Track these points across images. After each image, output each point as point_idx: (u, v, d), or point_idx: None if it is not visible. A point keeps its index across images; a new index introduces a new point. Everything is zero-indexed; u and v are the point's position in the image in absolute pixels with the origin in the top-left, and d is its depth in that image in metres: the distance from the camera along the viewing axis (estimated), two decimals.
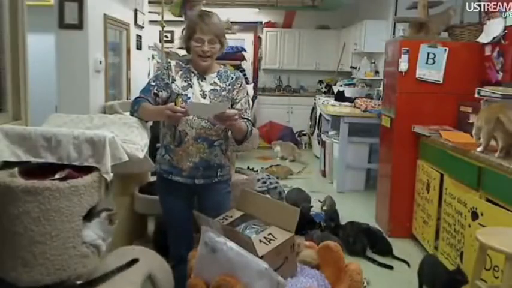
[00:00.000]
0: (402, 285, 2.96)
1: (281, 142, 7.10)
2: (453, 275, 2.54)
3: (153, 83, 2.19)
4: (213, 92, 2.17)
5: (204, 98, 2.15)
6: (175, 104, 1.98)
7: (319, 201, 4.06)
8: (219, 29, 2.13)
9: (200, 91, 2.16)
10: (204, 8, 4.82)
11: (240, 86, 2.23)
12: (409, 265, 3.32)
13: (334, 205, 4.04)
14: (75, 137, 1.86)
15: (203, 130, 2.12)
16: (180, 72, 2.20)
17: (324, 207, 4.04)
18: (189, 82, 2.18)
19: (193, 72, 2.20)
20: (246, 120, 2.22)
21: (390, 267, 3.26)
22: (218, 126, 2.14)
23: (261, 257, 1.63)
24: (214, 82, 2.19)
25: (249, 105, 2.30)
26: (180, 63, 2.23)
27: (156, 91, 2.16)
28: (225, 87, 2.19)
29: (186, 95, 2.14)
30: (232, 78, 2.23)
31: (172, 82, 2.17)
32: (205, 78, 2.19)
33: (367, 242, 3.50)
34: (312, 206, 4.02)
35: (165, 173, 2.21)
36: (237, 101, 2.22)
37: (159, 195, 2.34)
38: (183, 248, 2.20)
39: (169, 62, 2.24)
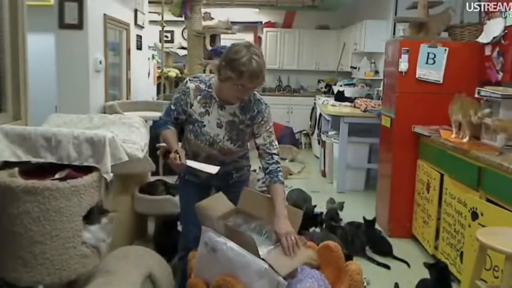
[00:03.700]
0: (402, 285, 2.96)
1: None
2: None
3: (173, 107, 2.11)
4: (230, 123, 2.08)
5: (220, 127, 2.07)
6: (175, 158, 1.93)
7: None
8: (263, 75, 1.94)
9: (217, 119, 2.07)
10: (205, 10, 4.83)
11: (261, 121, 2.09)
12: (409, 265, 3.32)
13: (335, 205, 4.03)
14: (75, 137, 1.87)
15: (213, 155, 2.12)
16: (198, 97, 2.08)
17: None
18: (207, 109, 2.07)
19: (214, 99, 2.07)
20: (275, 161, 2.08)
21: (387, 267, 3.26)
22: (228, 156, 2.14)
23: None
24: (234, 113, 2.08)
25: (274, 134, 2.15)
26: (200, 86, 2.08)
27: (176, 115, 2.10)
28: (243, 120, 2.09)
29: (202, 122, 2.07)
30: (254, 111, 2.08)
31: (190, 107, 2.08)
32: (225, 108, 2.07)
33: (366, 241, 3.50)
34: (315, 206, 4.00)
35: (183, 173, 2.24)
36: (258, 135, 2.10)
37: (178, 185, 2.36)
38: (192, 239, 2.14)
39: (188, 87, 2.08)
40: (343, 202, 4.24)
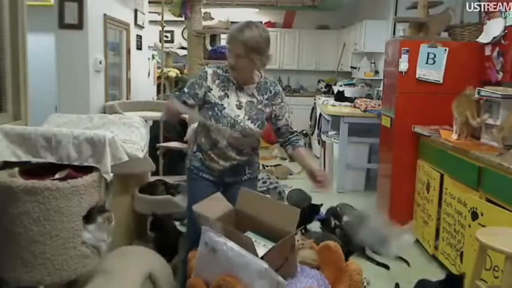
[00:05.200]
0: (402, 285, 2.96)
1: (278, 145, 7.10)
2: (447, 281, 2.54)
3: (186, 90, 2.18)
4: (249, 104, 2.17)
5: (240, 109, 2.15)
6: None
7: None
8: (249, 45, 2.04)
9: (237, 101, 2.15)
10: (205, 10, 4.84)
11: (281, 102, 2.24)
12: (408, 264, 3.32)
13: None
14: (75, 137, 1.86)
15: (234, 140, 2.15)
16: (217, 81, 2.17)
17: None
18: (226, 92, 2.16)
19: (232, 82, 2.18)
20: (295, 134, 2.30)
21: (387, 267, 3.26)
22: (249, 139, 2.19)
23: (261, 258, 1.62)
24: (252, 94, 2.19)
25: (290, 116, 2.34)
26: (218, 71, 2.19)
27: (185, 98, 2.15)
28: (261, 101, 2.19)
29: (222, 105, 2.13)
30: (271, 92, 2.22)
31: (209, 91, 2.15)
32: (243, 89, 2.18)
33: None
34: (322, 204, 3.98)
35: (196, 170, 2.27)
36: (280, 117, 2.24)
37: (187, 183, 2.39)
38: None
39: (206, 72, 2.19)
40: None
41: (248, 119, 2.15)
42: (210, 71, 2.19)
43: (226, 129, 2.12)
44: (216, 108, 2.13)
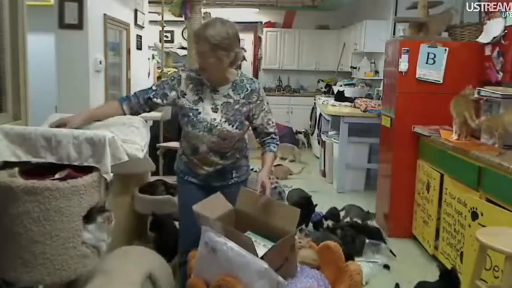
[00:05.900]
0: (402, 285, 2.96)
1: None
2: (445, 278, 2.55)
3: (154, 88, 2.12)
4: (225, 105, 2.08)
5: (216, 112, 2.07)
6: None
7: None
8: (213, 42, 1.94)
9: (212, 104, 2.08)
10: (205, 10, 4.84)
11: (257, 100, 2.12)
12: (394, 255, 3.40)
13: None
14: (75, 137, 1.86)
15: (213, 144, 2.10)
16: (191, 85, 2.10)
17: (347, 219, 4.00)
18: (200, 96, 2.09)
19: (205, 84, 2.10)
20: (270, 137, 2.17)
21: (387, 267, 3.26)
22: (229, 141, 2.12)
23: (262, 258, 1.63)
24: (228, 94, 2.10)
25: (270, 113, 2.19)
26: (191, 74, 2.12)
27: (152, 96, 2.09)
28: (238, 100, 2.10)
29: (197, 109, 2.07)
30: (247, 90, 2.11)
31: (183, 96, 2.09)
32: (218, 91, 2.09)
33: (365, 240, 3.50)
34: (310, 196, 3.97)
35: (182, 173, 2.25)
36: (256, 116, 2.14)
37: (178, 189, 2.37)
38: (192, 245, 2.14)
39: (180, 75, 2.12)
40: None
41: (225, 121, 2.07)
42: (183, 75, 2.11)
43: (204, 135, 2.07)
44: (191, 114, 2.07)
